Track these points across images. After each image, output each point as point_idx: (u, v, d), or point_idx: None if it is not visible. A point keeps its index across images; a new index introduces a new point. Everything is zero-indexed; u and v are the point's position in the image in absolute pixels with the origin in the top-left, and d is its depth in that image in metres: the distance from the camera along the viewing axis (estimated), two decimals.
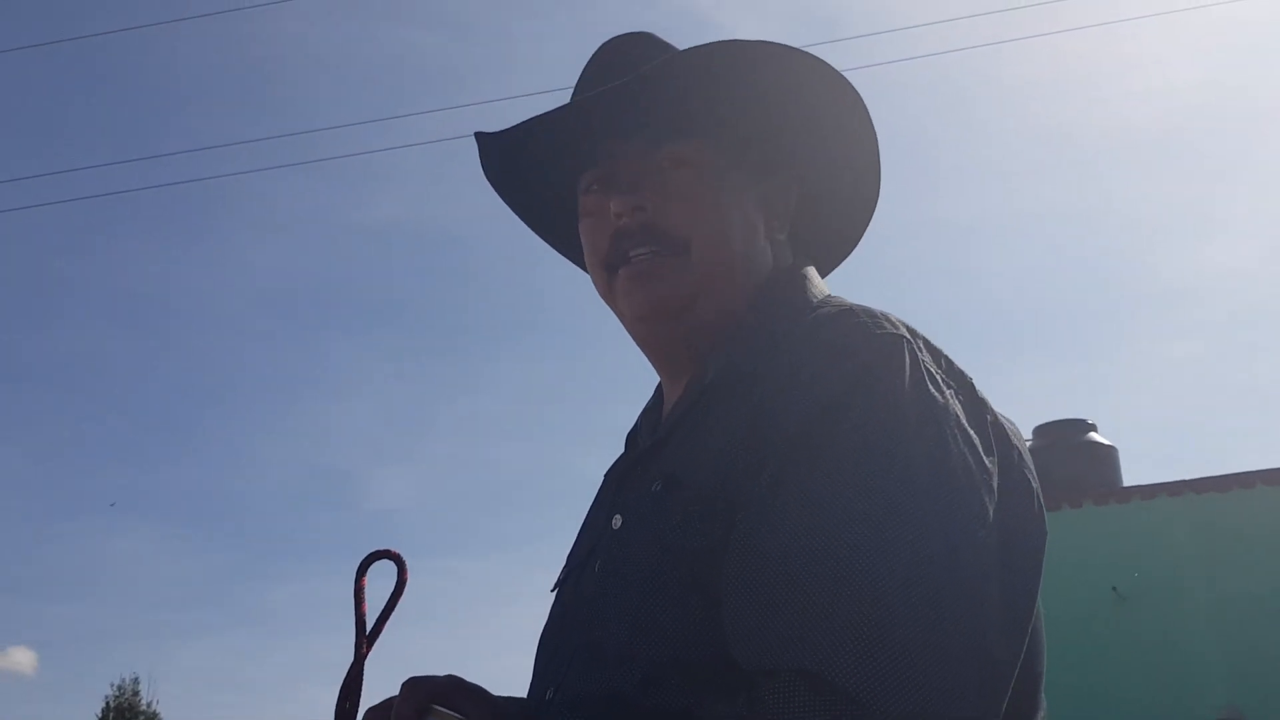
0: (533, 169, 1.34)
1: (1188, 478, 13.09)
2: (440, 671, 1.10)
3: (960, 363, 1.14)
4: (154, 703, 26.88)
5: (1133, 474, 14.12)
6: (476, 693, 1.09)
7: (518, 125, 1.27)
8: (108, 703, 26.40)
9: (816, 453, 1.03)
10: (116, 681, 26.71)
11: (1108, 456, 13.71)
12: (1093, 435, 13.95)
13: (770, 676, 0.97)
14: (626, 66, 1.25)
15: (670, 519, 1.10)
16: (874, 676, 0.93)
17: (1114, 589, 12.33)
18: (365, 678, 1.18)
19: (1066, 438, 13.77)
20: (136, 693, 26.76)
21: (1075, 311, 26.88)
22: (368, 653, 1.18)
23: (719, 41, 1.19)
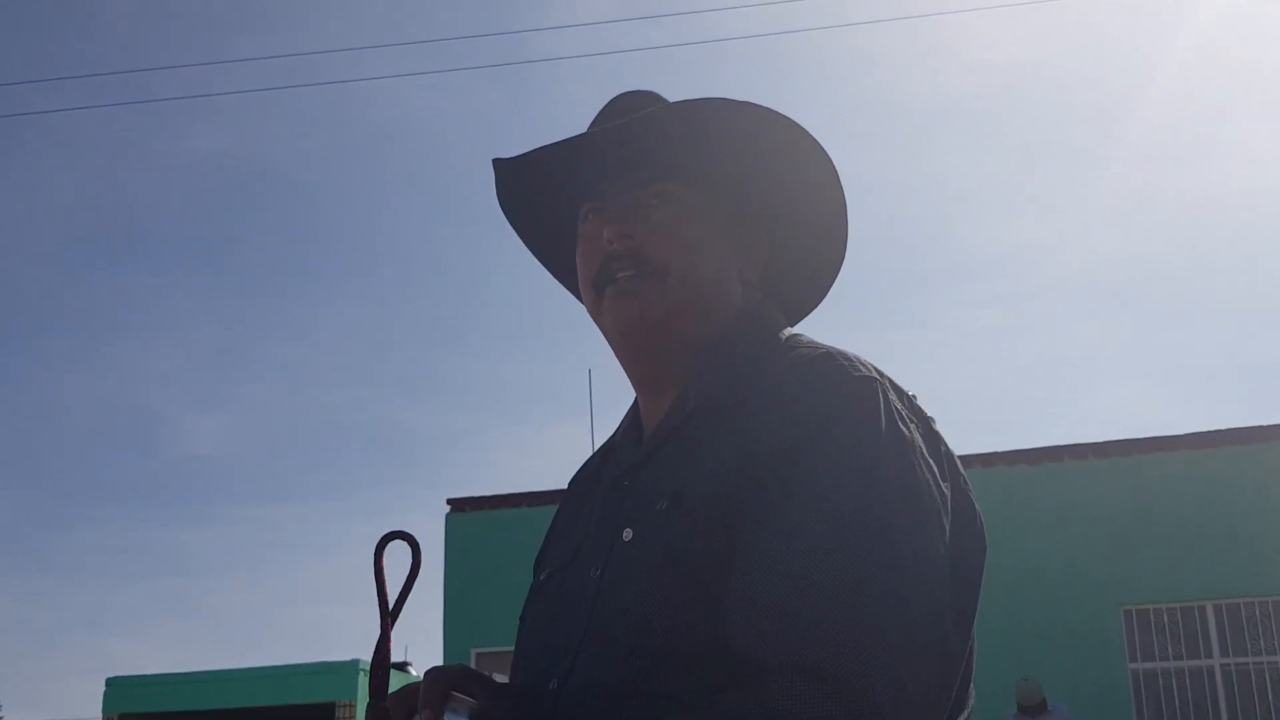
0: (537, 199, 1.50)
1: (1000, 449, 13.67)
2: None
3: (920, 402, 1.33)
4: None
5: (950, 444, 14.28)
6: (485, 680, 1.22)
7: (528, 153, 1.43)
8: None
9: (811, 475, 1.18)
10: None
11: None
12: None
13: (779, 672, 1.10)
14: (630, 114, 1.41)
15: (678, 534, 1.22)
16: (873, 672, 1.08)
17: None
18: None
19: None
20: None
21: (891, 279, 26.29)
22: (391, 628, 1.30)
23: (707, 98, 1.35)
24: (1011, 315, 24.51)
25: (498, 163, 1.47)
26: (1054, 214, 23.92)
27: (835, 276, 1.53)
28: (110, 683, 13.58)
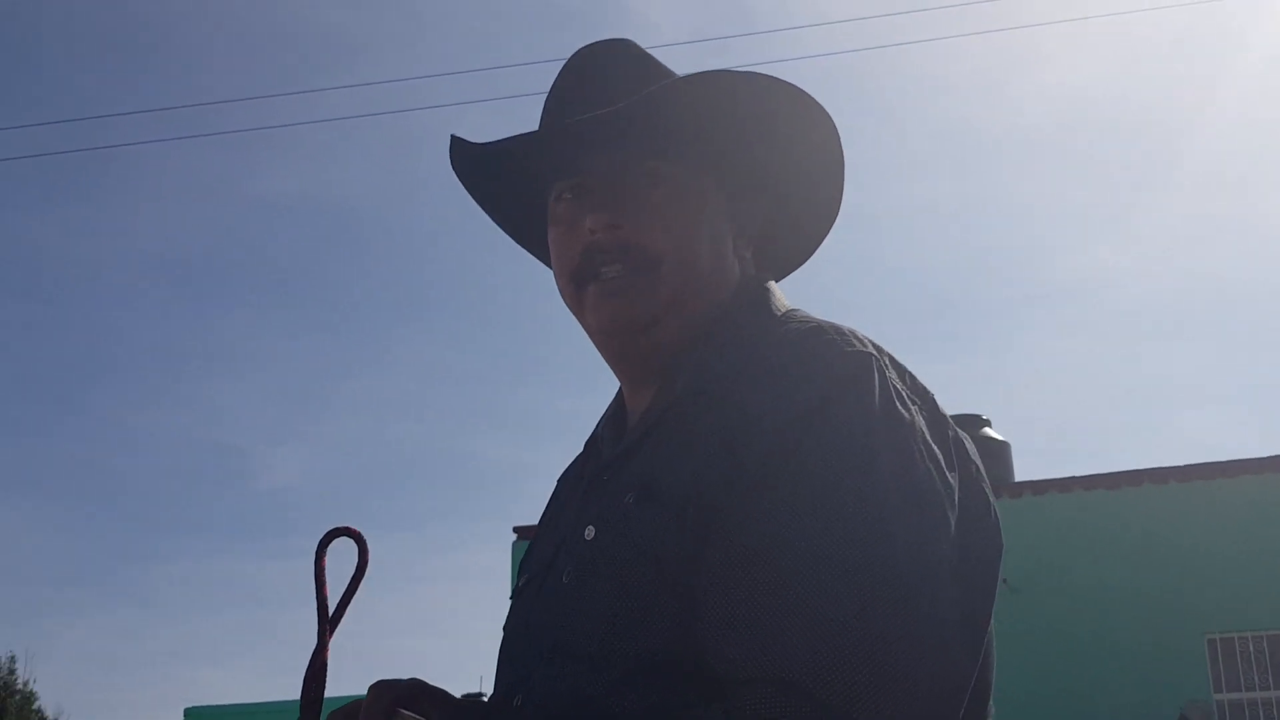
0: (502, 169, 1.33)
1: (1078, 474, 13.46)
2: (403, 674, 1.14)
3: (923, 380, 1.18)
4: (31, 681, 26.74)
5: (1025, 470, 14.16)
6: (439, 696, 1.11)
7: (500, 141, 1.27)
8: None
9: (791, 466, 1.05)
10: None
11: (1000, 452, 13.80)
12: (986, 430, 13.85)
13: (747, 685, 0.99)
14: (607, 79, 1.28)
15: (645, 529, 1.10)
16: (850, 686, 0.96)
17: (1004, 581, 12.43)
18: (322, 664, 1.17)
19: None
20: (13, 671, 26.51)
21: (969, 306, 26.06)
22: (331, 637, 1.16)
23: (708, 72, 1.21)
24: (1092, 341, 24.20)
25: (456, 142, 1.33)
26: (1134, 239, 23.64)
27: (828, 232, 1.42)
28: (188, 713, 13.76)
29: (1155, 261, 23.66)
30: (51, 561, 37.35)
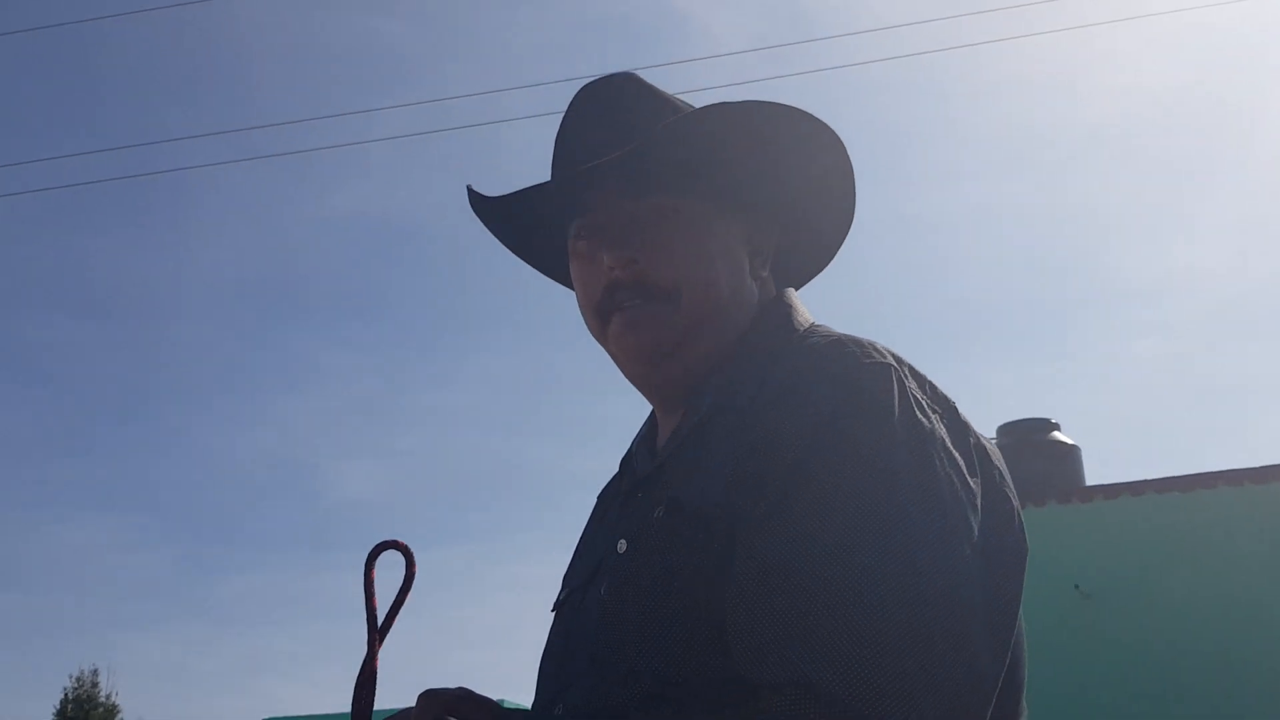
0: (521, 213, 1.39)
1: (1150, 477, 13.30)
2: (444, 681, 1.18)
3: (942, 387, 1.21)
4: (113, 694, 27.08)
5: (1095, 473, 14.04)
6: (486, 704, 1.15)
7: (513, 194, 1.34)
8: (66, 694, 26.45)
9: (813, 474, 1.08)
10: (75, 673, 26.80)
11: (1070, 455, 13.66)
12: (1055, 434, 13.80)
13: (775, 690, 1.02)
14: (615, 118, 1.33)
15: (674, 542, 1.15)
16: (874, 690, 0.99)
17: (1077, 587, 12.46)
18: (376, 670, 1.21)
19: (1029, 437, 13.76)
20: (96, 684, 26.85)
21: (1039, 309, 25.95)
22: (380, 647, 1.20)
23: (707, 107, 1.28)
24: (1171, 343, 23.79)
25: (473, 195, 1.39)
26: (1207, 238, 23.23)
27: (844, 238, 1.46)
28: None
29: (1229, 261, 23.29)
30: (131, 576, 38.10)
